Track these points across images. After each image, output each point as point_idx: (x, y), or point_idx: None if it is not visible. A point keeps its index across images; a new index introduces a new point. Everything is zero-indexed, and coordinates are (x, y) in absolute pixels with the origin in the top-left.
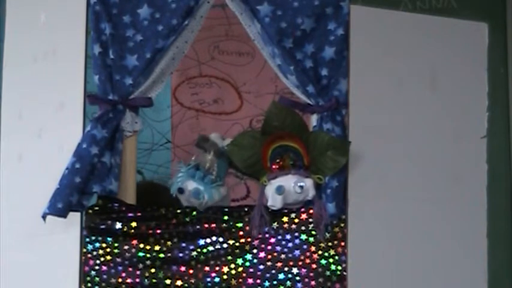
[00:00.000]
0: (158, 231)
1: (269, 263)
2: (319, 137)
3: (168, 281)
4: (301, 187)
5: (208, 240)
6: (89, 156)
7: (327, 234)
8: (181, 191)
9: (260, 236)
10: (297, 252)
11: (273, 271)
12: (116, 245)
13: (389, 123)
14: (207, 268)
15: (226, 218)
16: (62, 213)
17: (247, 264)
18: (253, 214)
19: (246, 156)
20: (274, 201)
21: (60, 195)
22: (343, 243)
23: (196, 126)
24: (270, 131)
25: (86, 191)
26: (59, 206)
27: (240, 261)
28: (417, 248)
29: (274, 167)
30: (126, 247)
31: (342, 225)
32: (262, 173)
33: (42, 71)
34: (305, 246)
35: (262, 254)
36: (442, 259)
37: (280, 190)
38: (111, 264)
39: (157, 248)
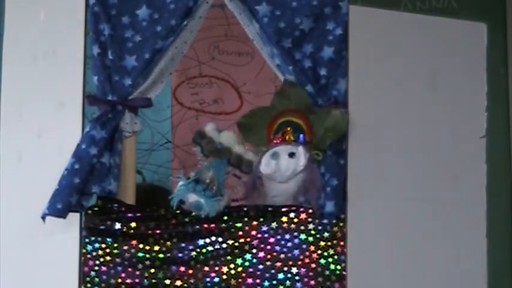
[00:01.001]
0: (157, 231)
1: (268, 263)
2: (328, 114)
3: (167, 281)
4: (293, 154)
5: (207, 240)
6: (88, 156)
7: (320, 208)
8: (182, 202)
9: (259, 235)
10: (296, 251)
11: (273, 271)
12: (116, 245)
13: (389, 123)
14: (206, 268)
15: (225, 218)
16: (62, 214)
17: (247, 264)
18: (246, 178)
19: (255, 134)
20: (266, 165)
21: (60, 195)
22: (342, 243)
23: (196, 126)
24: (278, 107)
25: (85, 192)
26: (59, 207)
27: (239, 261)
28: (416, 247)
29: (276, 140)
30: (125, 247)
31: (341, 224)
32: (267, 146)
33: (41, 70)
34: (304, 246)
35: (261, 254)
36: (441, 259)
37: (274, 156)
38: (111, 265)
39: (156, 248)
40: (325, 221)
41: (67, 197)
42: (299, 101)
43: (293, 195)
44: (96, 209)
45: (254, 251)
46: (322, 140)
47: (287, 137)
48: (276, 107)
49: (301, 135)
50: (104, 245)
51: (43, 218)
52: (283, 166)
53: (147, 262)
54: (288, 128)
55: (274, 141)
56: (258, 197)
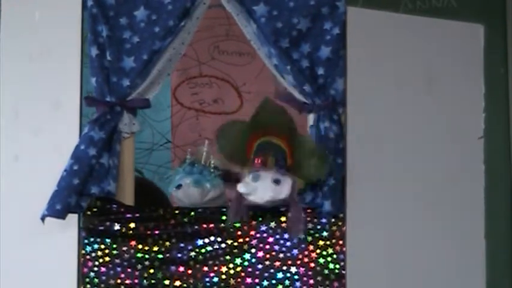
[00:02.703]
0: (156, 232)
1: (267, 262)
2: (306, 143)
3: (166, 282)
4: (278, 181)
5: (206, 241)
6: (86, 157)
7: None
8: (179, 187)
9: (258, 235)
10: (295, 251)
11: (272, 270)
12: (115, 246)
13: (386, 123)
14: (205, 268)
15: (224, 218)
16: (61, 215)
17: (246, 263)
18: (231, 203)
19: (232, 149)
20: (244, 185)
21: (59, 197)
22: (341, 242)
23: (196, 126)
24: (258, 126)
25: (84, 193)
26: (58, 208)
27: (238, 260)
28: (415, 248)
29: (256, 161)
30: (124, 248)
31: (340, 223)
32: (246, 164)
33: (37, 70)
34: (303, 245)
35: (260, 254)
36: (440, 259)
37: (255, 178)
38: (110, 266)
39: (155, 248)
40: (323, 221)
41: (66, 198)
42: (280, 121)
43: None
44: (95, 209)
45: (253, 250)
46: (305, 169)
47: (267, 165)
48: (257, 126)
49: (281, 163)
50: (103, 246)
51: (42, 219)
52: (261, 190)
53: (146, 262)
54: (270, 157)
55: (256, 163)
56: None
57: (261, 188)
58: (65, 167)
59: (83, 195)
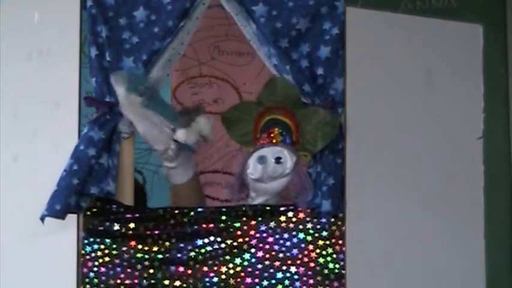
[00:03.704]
0: (156, 232)
1: (267, 262)
2: (316, 113)
3: (166, 282)
4: (279, 159)
5: (206, 240)
6: (86, 157)
7: (316, 207)
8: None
9: (258, 235)
10: (295, 251)
11: (271, 270)
12: (114, 246)
13: (386, 123)
14: (205, 268)
15: (223, 217)
16: (60, 215)
17: (245, 263)
18: (232, 180)
19: (240, 129)
20: (254, 169)
21: (58, 197)
22: (341, 242)
23: None
24: (265, 103)
25: (83, 193)
26: (57, 208)
27: (238, 260)
28: (415, 248)
29: (262, 140)
30: (124, 248)
31: (340, 223)
32: (252, 143)
33: (36, 70)
34: (303, 245)
35: (260, 253)
36: (439, 259)
37: (261, 160)
38: (110, 266)
39: (155, 248)
40: (323, 220)
41: (66, 198)
42: (287, 97)
43: (275, 194)
44: (94, 210)
45: (253, 250)
46: (313, 142)
47: (274, 140)
48: (263, 103)
49: (288, 138)
50: (102, 246)
51: (42, 219)
52: (270, 170)
53: (146, 263)
54: (275, 130)
55: (261, 142)
56: (244, 197)
57: (268, 169)
58: (64, 167)
59: (83, 196)
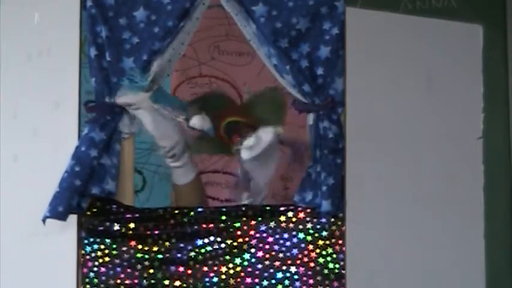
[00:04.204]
0: (156, 232)
1: (267, 262)
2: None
3: (166, 282)
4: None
5: (206, 240)
6: (88, 158)
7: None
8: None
9: (258, 235)
10: (295, 251)
11: (271, 270)
12: (114, 246)
13: (386, 123)
14: (205, 268)
15: (223, 217)
16: (63, 217)
17: (245, 263)
18: (237, 180)
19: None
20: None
21: (61, 198)
22: (341, 241)
23: None
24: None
25: (85, 193)
26: (60, 209)
27: (238, 260)
28: (415, 247)
29: (235, 138)
30: (124, 248)
31: (340, 223)
32: (227, 145)
33: (36, 70)
34: (303, 245)
35: (260, 253)
36: (439, 259)
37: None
38: (110, 266)
39: (155, 248)
40: (323, 220)
41: (68, 200)
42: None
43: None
44: (94, 210)
45: (253, 250)
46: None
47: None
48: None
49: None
50: (102, 246)
51: (43, 220)
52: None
53: (146, 263)
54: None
55: (235, 141)
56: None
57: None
58: (65, 168)
59: (84, 196)
